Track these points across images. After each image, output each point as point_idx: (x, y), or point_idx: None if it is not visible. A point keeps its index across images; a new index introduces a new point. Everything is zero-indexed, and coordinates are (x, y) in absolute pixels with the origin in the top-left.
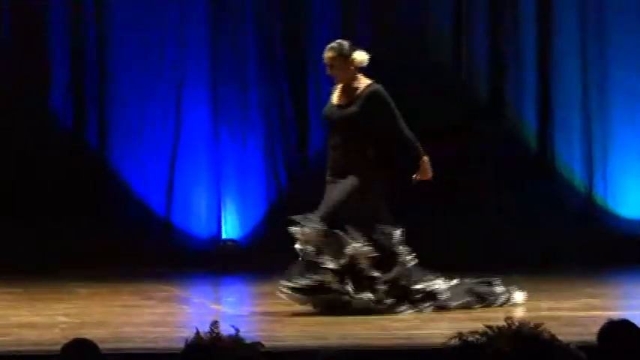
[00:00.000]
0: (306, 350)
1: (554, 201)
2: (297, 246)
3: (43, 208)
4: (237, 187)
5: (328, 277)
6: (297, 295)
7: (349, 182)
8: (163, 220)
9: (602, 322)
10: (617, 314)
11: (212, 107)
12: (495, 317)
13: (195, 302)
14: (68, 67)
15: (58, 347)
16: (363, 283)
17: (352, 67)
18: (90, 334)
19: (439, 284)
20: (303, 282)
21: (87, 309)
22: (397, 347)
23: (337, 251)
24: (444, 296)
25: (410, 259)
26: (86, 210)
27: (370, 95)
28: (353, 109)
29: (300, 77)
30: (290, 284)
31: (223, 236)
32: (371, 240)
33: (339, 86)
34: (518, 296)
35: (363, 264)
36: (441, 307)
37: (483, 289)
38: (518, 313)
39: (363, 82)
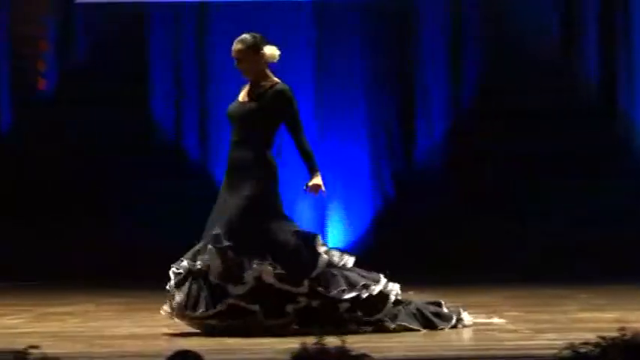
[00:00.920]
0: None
1: None
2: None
3: (144, 213)
4: (343, 196)
5: (237, 301)
6: (211, 322)
7: (247, 193)
8: None
9: None
10: None
11: (318, 116)
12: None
13: None
14: (170, 73)
15: (162, 359)
16: (274, 300)
17: (262, 62)
18: (193, 345)
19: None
20: (211, 310)
21: None
22: (505, 357)
23: (240, 275)
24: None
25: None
26: (189, 216)
27: (276, 94)
28: (253, 105)
29: (407, 82)
30: (198, 314)
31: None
32: (275, 251)
33: (248, 84)
34: (467, 318)
35: (270, 280)
36: (378, 328)
37: (432, 309)
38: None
39: (271, 80)
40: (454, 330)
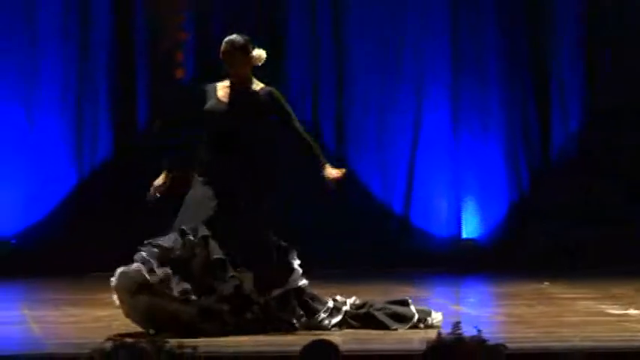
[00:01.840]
0: (549, 352)
1: None
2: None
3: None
4: (478, 186)
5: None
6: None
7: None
8: (403, 219)
9: None
10: None
11: (452, 105)
12: None
13: (436, 303)
14: (305, 69)
15: (297, 348)
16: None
17: (250, 65)
18: (329, 334)
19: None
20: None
21: None
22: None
23: (222, 275)
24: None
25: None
26: (324, 209)
27: (269, 94)
28: (243, 107)
29: (543, 73)
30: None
31: (463, 236)
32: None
33: (228, 84)
34: (437, 318)
35: (247, 291)
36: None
37: (398, 309)
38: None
39: (257, 83)
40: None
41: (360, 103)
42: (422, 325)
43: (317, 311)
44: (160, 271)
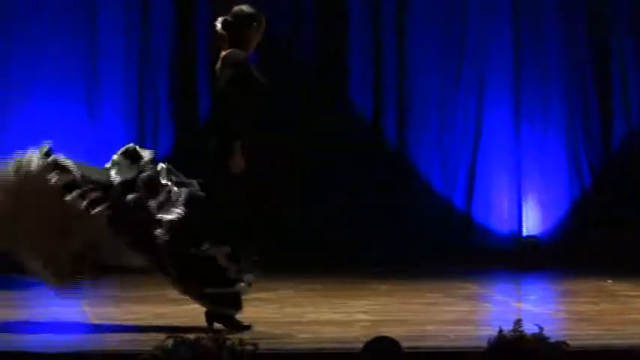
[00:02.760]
0: (612, 350)
1: None
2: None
3: (338, 203)
4: (539, 183)
5: None
6: None
7: None
8: (464, 216)
9: None
10: None
11: (513, 101)
12: None
13: (498, 300)
14: (368, 61)
15: (359, 345)
16: None
17: None
18: (391, 331)
19: None
20: None
21: (387, 306)
22: None
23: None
24: None
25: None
26: (386, 206)
27: None
28: None
29: (604, 66)
30: None
31: (524, 233)
32: None
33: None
34: None
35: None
36: None
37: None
38: None
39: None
40: None
41: (420, 99)
42: None
43: None
44: None
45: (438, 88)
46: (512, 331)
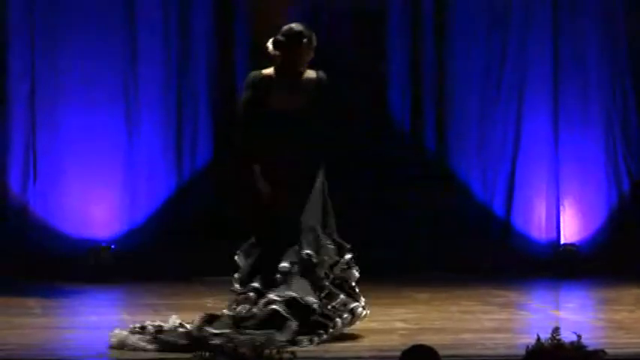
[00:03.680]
0: None
1: None
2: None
3: (370, 210)
4: (577, 191)
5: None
6: None
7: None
8: (503, 223)
9: None
10: None
11: (552, 107)
12: None
13: (535, 308)
14: (406, 67)
15: (397, 353)
16: None
17: None
18: (429, 340)
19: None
20: None
21: (425, 314)
22: None
23: None
24: None
25: None
26: (424, 212)
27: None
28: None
29: None
30: None
31: (562, 241)
32: None
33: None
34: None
35: None
36: None
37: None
38: None
39: None
40: None
41: (460, 108)
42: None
43: None
44: None
45: (478, 97)
46: (550, 339)
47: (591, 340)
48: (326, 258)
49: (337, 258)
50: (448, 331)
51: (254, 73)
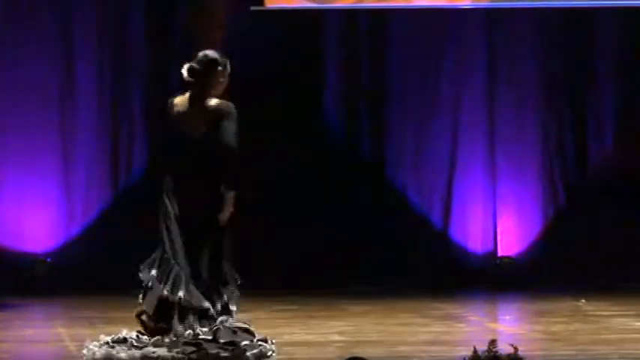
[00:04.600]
0: None
1: None
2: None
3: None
4: (513, 203)
5: None
6: None
7: None
8: (441, 235)
9: None
10: None
11: (487, 116)
12: None
13: (472, 320)
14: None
15: None
16: None
17: None
18: (365, 352)
19: None
20: None
21: (361, 327)
22: None
23: None
24: None
25: None
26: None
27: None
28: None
29: (577, 86)
30: None
31: (499, 253)
32: None
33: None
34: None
35: None
36: None
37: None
38: None
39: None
40: None
41: (399, 123)
42: None
43: None
44: None
45: (415, 115)
46: (487, 351)
47: (528, 352)
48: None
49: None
50: (384, 344)
51: (170, 100)
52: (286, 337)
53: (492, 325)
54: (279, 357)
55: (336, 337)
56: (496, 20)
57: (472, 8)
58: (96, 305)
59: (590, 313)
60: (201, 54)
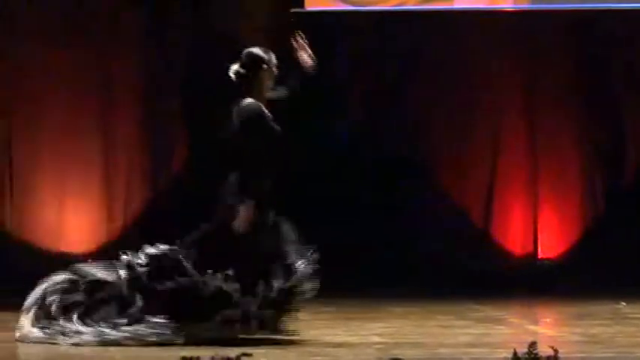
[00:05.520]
0: None
1: None
2: None
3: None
4: (555, 206)
5: None
6: None
7: None
8: (481, 237)
9: None
10: None
11: (527, 120)
12: None
13: (512, 322)
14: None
15: None
16: None
17: None
18: (405, 354)
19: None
20: None
21: (401, 329)
22: None
23: None
24: None
25: None
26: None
27: None
28: None
29: (617, 92)
30: None
31: (539, 255)
32: None
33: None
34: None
35: None
36: None
37: None
38: None
39: None
40: None
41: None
42: None
43: None
44: None
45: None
46: (527, 353)
47: (567, 355)
48: None
49: None
50: (424, 346)
51: (256, 103)
52: (328, 339)
53: (532, 328)
54: (319, 359)
55: (377, 339)
56: (534, 25)
57: (513, 10)
58: None
59: (630, 316)
60: (245, 51)
